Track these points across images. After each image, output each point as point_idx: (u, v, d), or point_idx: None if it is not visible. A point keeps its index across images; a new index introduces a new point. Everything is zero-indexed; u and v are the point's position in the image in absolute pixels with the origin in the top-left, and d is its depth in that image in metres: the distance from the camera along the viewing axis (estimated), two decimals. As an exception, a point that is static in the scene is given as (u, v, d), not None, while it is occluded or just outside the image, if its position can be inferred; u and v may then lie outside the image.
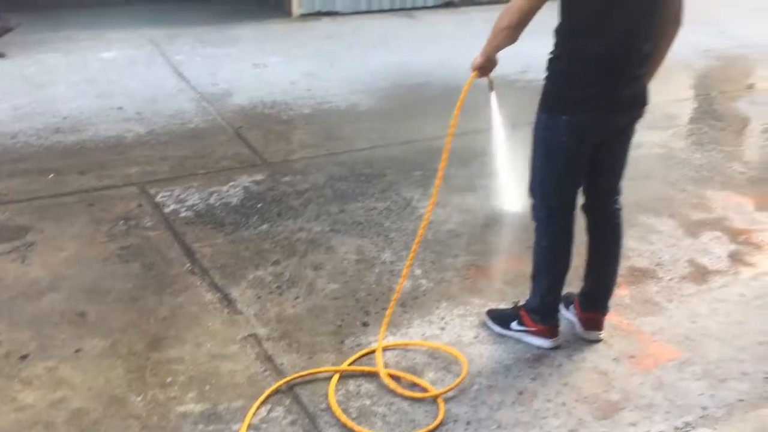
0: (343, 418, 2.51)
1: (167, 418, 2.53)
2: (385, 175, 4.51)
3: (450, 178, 4.38)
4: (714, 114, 5.68)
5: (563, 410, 2.59)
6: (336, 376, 2.71)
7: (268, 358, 2.84)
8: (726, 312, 3.15)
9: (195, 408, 2.58)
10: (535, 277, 2.88)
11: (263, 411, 2.57)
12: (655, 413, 2.57)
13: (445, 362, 2.83)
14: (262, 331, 3.00)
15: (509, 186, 3.01)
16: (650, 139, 5.01)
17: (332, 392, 2.63)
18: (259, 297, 3.24)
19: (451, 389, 2.65)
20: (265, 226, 3.86)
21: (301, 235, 3.78)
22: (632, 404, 2.62)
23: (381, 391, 2.67)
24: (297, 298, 3.24)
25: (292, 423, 2.52)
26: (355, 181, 4.42)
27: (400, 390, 2.65)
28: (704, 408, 2.59)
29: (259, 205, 4.10)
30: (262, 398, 2.59)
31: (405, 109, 5.75)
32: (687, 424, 2.52)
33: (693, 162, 4.75)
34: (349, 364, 2.79)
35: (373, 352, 2.85)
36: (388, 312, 2.94)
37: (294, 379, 2.70)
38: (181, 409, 2.57)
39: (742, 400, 2.63)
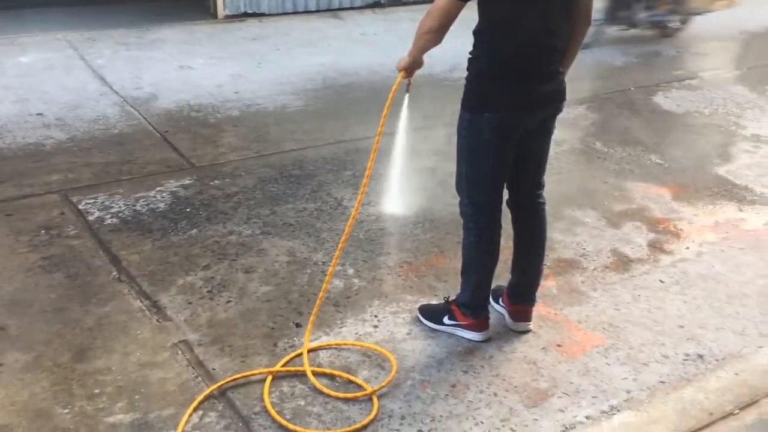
0: (278, 418, 2.50)
1: (96, 430, 2.46)
2: (315, 176, 4.51)
3: (380, 178, 4.42)
4: (632, 108, 5.89)
5: (495, 400, 2.65)
6: (269, 378, 2.70)
7: (200, 364, 2.80)
8: (647, 298, 3.27)
9: (125, 418, 2.52)
10: (465, 272, 2.93)
11: (195, 417, 2.53)
12: (582, 399, 2.66)
13: (378, 360, 2.85)
14: (193, 337, 2.96)
15: (396, 189, 3.09)
16: (573, 136, 5.16)
17: (266, 394, 2.62)
18: (190, 302, 3.19)
19: (383, 387, 2.67)
20: (194, 231, 3.80)
21: (231, 238, 3.74)
22: (560, 391, 2.70)
23: (315, 392, 2.67)
24: (228, 302, 3.21)
25: (226, 428, 2.49)
26: (286, 183, 4.39)
27: (326, 390, 2.65)
28: (628, 392, 2.69)
29: (187, 210, 4.03)
30: (194, 405, 2.55)
31: (334, 109, 5.75)
32: (612, 407, 2.62)
33: (614, 156, 4.91)
34: (282, 366, 2.78)
35: (310, 351, 2.84)
36: (314, 311, 2.94)
37: (226, 383, 2.68)
38: (111, 420, 2.51)
39: (663, 383, 2.74)
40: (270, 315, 3.12)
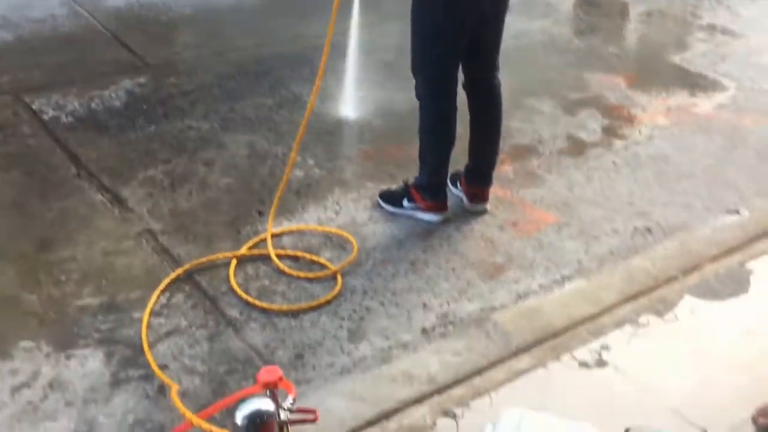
0: (245, 296, 2.58)
1: (65, 313, 2.52)
2: (273, 72, 4.45)
3: (338, 72, 4.39)
4: (592, 2, 5.86)
5: (453, 275, 2.76)
6: (234, 261, 2.77)
7: (165, 251, 2.86)
8: (599, 179, 3.38)
9: (93, 302, 2.58)
10: (423, 154, 2.99)
11: (163, 299, 2.60)
12: (535, 271, 2.78)
13: (340, 242, 2.93)
14: (156, 226, 3.00)
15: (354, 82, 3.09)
16: (533, 27, 5.14)
17: (232, 275, 2.69)
18: (151, 195, 3.21)
19: (345, 265, 2.76)
20: (152, 128, 3.77)
21: (190, 134, 3.73)
22: (515, 265, 2.81)
23: (279, 273, 2.75)
24: (190, 193, 3.23)
25: (194, 306, 2.57)
26: (244, 79, 4.34)
27: (289, 270, 2.73)
28: (579, 262, 2.82)
29: (144, 107, 3.97)
30: (161, 287, 2.61)
31: (291, 6, 5.61)
32: (564, 277, 2.75)
33: (572, 47, 4.92)
34: (247, 249, 2.84)
35: (274, 236, 2.90)
36: (275, 198, 2.97)
37: (192, 267, 2.74)
38: (79, 303, 2.57)
39: (613, 254, 2.87)
40: (232, 204, 3.16)
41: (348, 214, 3.11)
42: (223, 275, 2.72)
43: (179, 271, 2.70)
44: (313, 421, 1.63)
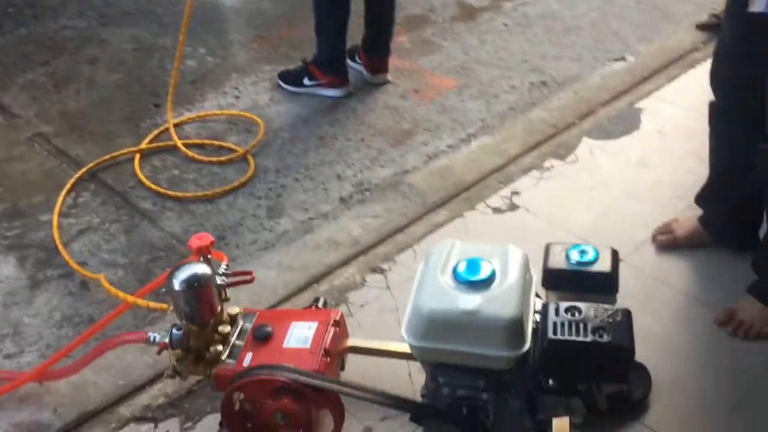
0: (155, 187, 2.52)
1: (-35, 228, 2.40)
2: (146, -37, 4.19)
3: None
4: None
5: (363, 145, 2.78)
6: (137, 156, 2.68)
7: (61, 152, 2.73)
8: (493, 41, 3.43)
9: (-7, 210, 2.46)
10: (319, 29, 2.93)
11: (69, 200, 2.50)
12: (442, 132, 2.84)
13: (245, 125, 2.88)
14: (47, 129, 2.84)
15: None
16: None
17: (138, 169, 2.61)
18: (36, 98, 3.02)
19: (255, 145, 2.73)
20: (23, 30, 3.51)
21: (66, 33, 3.50)
22: (422, 129, 2.86)
23: (188, 161, 2.69)
24: (78, 93, 3.07)
25: (103, 204, 2.49)
26: (114, -27, 4.07)
27: (198, 157, 2.68)
28: (482, 120, 2.90)
29: (10, 11, 3.68)
30: (68, 186, 2.51)
31: None
32: (470, 135, 2.82)
33: None
34: (149, 143, 2.75)
35: (176, 125, 2.82)
36: (170, 88, 2.84)
37: (96, 166, 2.63)
38: (-22, 213, 2.45)
39: (512, 109, 2.96)
40: (125, 100, 3.03)
41: (248, 98, 3.04)
42: (129, 170, 2.64)
43: (83, 170, 2.59)
44: (250, 281, 1.66)
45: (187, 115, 2.93)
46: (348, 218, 2.43)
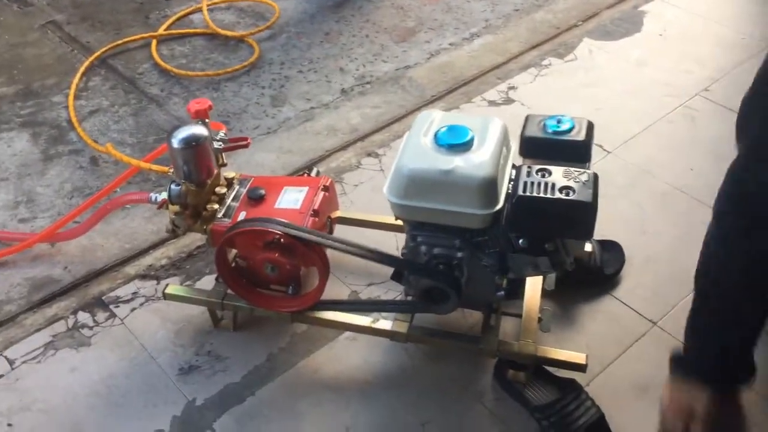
0: (169, 67, 2.61)
1: (-19, 103, 2.51)
2: None
3: None
4: None
5: (367, 41, 2.83)
6: (154, 42, 2.75)
7: (73, 39, 2.80)
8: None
9: (8, 90, 2.56)
10: None
11: (80, 83, 2.59)
12: (446, 31, 2.87)
13: (260, 10, 2.93)
14: (60, 17, 2.91)
15: None
16: None
17: (155, 52, 2.69)
18: (48, -12, 3.09)
19: (261, 30, 2.78)
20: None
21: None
22: (426, 27, 2.90)
23: (195, 51, 2.76)
24: (90, -16, 3.12)
25: (113, 88, 2.58)
26: None
27: (216, 28, 2.76)
28: (486, 20, 2.92)
29: None
30: (82, 69, 2.59)
31: None
32: (473, 34, 2.85)
33: None
34: (165, 30, 2.82)
35: (184, 16, 2.88)
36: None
37: (108, 50, 2.70)
38: (-7, 93, 2.55)
39: (517, 10, 2.98)
40: (136, -8, 3.08)
41: (256, -8, 3.07)
42: (138, 58, 2.72)
43: (97, 54, 2.67)
44: (246, 146, 1.75)
45: (195, 5, 2.98)
46: (348, 108, 2.50)
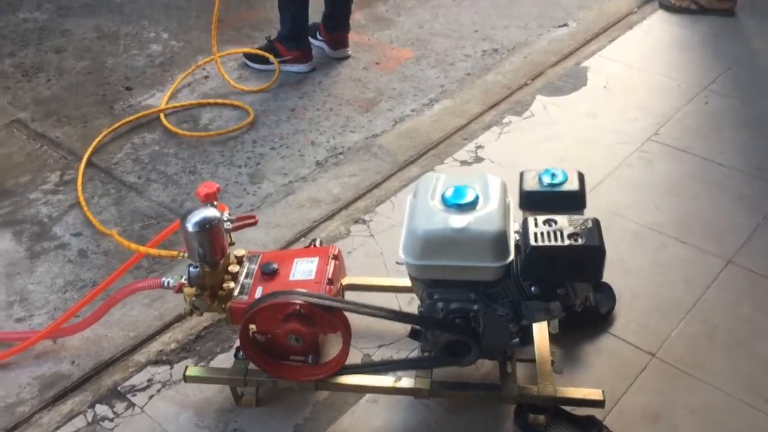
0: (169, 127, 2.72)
1: (-45, 207, 2.48)
2: (97, -44, 4.25)
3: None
4: None
5: (332, 114, 2.94)
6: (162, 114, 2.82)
7: (41, 136, 2.81)
8: (444, 15, 3.63)
9: (-19, 191, 2.54)
10: (282, 6, 3.07)
11: (55, 178, 2.60)
12: (405, 98, 3.02)
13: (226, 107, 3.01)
14: (23, 115, 2.92)
15: None
16: None
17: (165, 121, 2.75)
18: (8, 87, 3.09)
19: (243, 126, 2.85)
20: (-18, 25, 3.56)
21: (27, 25, 3.55)
22: (386, 96, 3.04)
23: (166, 137, 2.81)
24: (49, 80, 3.14)
25: (90, 180, 2.59)
26: (67, -33, 4.12)
27: (175, 129, 2.82)
28: (442, 86, 3.09)
29: (-35, 7, 3.72)
30: (80, 172, 2.59)
31: None
32: (431, 100, 3.01)
33: None
34: (123, 123, 2.86)
35: (151, 114, 2.92)
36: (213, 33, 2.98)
37: (90, 153, 2.69)
38: (-33, 195, 2.52)
39: (469, 74, 3.16)
40: (97, 85, 3.12)
41: (218, 77, 3.16)
42: (109, 149, 2.74)
43: (84, 161, 2.64)
44: (254, 223, 1.81)
45: (159, 96, 3.04)
46: (326, 179, 2.58)
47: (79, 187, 2.51)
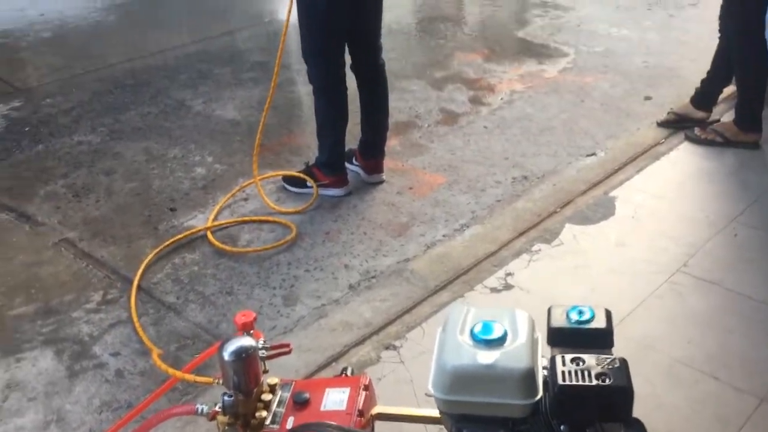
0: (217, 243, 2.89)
1: (1, 323, 2.57)
2: (150, 83, 4.55)
3: (217, 76, 4.58)
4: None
5: (365, 237, 3.03)
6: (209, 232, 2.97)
7: (87, 255, 2.94)
8: (475, 141, 3.77)
9: (28, 309, 2.64)
10: (320, 133, 3.24)
11: (97, 297, 2.70)
12: (437, 224, 3.11)
13: (265, 227, 3.13)
14: (72, 235, 3.06)
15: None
16: (390, 18, 5.52)
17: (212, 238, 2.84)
18: (58, 207, 3.26)
19: (283, 244, 2.97)
20: (40, 147, 3.79)
21: (82, 148, 3.78)
22: (418, 221, 3.13)
23: (205, 258, 2.91)
24: (98, 201, 3.31)
25: (130, 299, 2.68)
26: (122, 93, 4.41)
27: (221, 245, 2.94)
28: (473, 212, 3.18)
29: (26, 129, 3.98)
30: (132, 299, 2.67)
31: (151, 19, 5.70)
32: (462, 225, 3.09)
33: (432, 31, 5.35)
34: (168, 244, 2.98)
35: (198, 232, 3.05)
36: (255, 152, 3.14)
37: (140, 278, 2.80)
38: (13, 313, 2.62)
39: (499, 201, 3.25)
40: (143, 206, 3.28)
41: (257, 200, 3.29)
42: (152, 269, 2.85)
43: (135, 284, 2.74)
44: (288, 352, 1.85)
45: (201, 218, 3.17)
46: (358, 303, 2.64)
47: (133, 308, 2.59)
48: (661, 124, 3.75)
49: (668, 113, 3.77)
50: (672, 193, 3.18)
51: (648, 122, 3.83)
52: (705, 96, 3.67)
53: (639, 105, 4.08)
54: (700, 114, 3.67)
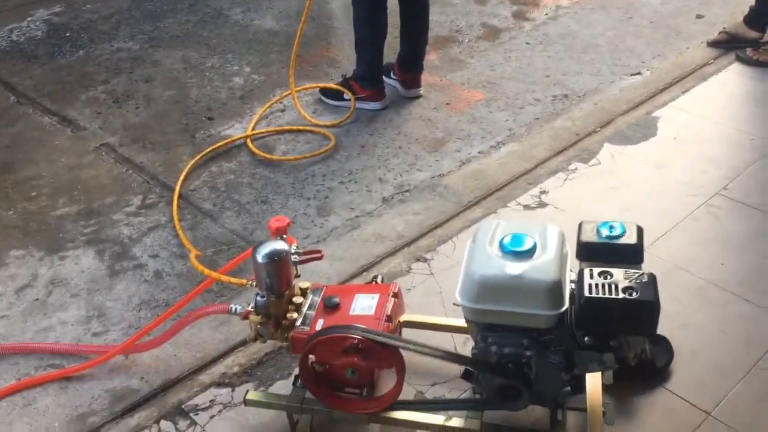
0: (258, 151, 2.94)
1: (46, 222, 2.66)
2: (188, -9, 4.50)
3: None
4: None
5: (401, 151, 3.03)
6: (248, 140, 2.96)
7: (127, 160, 2.99)
8: (516, 58, 3.69)
9: (70, 210, 2.72)
10: (359, 46, 3.20)
11: (137, 201, 2.76)
12: (473, 140, 3.08)
13: (301, 138, 3.14)
14: (112, 140, 3.11)
15: None
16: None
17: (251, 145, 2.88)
18: (99, 113, 3.30)
19: (321, 153, 2.99)
20: (81, 53, 3.81)
21: (121, 54, 3.79)
22: (454, 137, 3.11)
23: (242, 167, 2.95)
24: (137, 108, 3.34)
25: (168, 204, 2.73)
26: (160, 1, 4.37)
27: (260, 153, 2.97)
28: (510, 129, 3.14)
29: (67, 35, 3.99)
30: (174, 206, 2.72)
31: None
32: (499, 142, 3.06)
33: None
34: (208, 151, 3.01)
35: (238, 140, 3.07)
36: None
37: (181, 186, 2.83)
38: (57, 213, 2.70)
39: (538, 119, 3.20)
40: (181, 114, 3.30)
41: (294, 111, 3.29)
42: (190, 176, 2.89)
43: (176, 192, 2.77)
44: (320, 258, 1.89)
45: (238, 127, 3.19)
46: (391, 216, 2.66)
47: (175, 212, 2.65)
48: (712, 44, 3.61)
49: (720, 32, 3.62)
50: (718, 115, 3.09)
51: (698, 41, 3.69)
52: (759, 15, 3.51)
53: (690, 23, 3.92)
54: (753, 34, 3.52)
